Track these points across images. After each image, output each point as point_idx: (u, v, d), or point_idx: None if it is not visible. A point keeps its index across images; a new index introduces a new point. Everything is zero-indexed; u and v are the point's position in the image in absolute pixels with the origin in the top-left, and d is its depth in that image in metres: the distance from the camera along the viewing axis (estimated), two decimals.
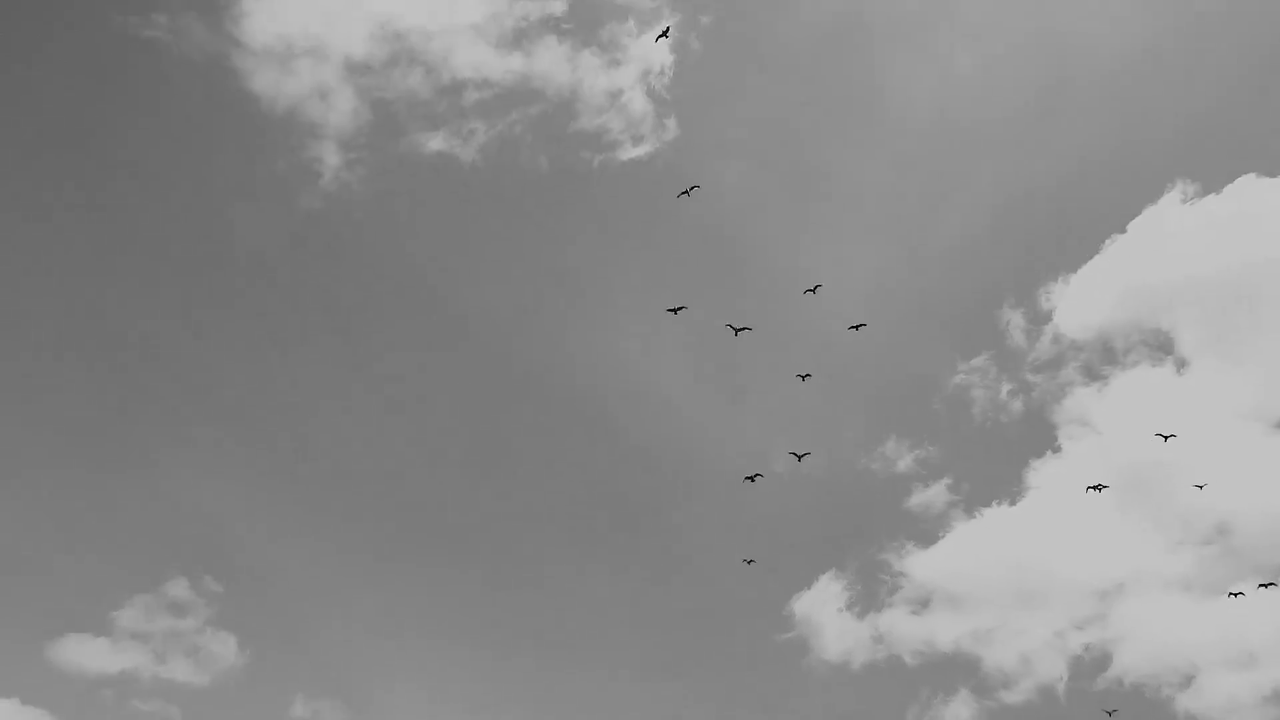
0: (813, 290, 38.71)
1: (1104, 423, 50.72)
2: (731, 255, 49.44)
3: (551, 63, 45.13)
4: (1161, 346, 49.49)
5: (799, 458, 39.86)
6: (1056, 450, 50.99)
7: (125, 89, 41.96)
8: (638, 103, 46.30)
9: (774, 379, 48.55)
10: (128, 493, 45.68)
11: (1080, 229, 52.21)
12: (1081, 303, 51.75)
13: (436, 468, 47.64)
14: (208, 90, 42.22)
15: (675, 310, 38.17)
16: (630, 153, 46.62)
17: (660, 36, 38.51)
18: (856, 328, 38.83)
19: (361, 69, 42.84)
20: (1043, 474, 50.56)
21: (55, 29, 40.34)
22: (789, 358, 48.93)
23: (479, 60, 44.05)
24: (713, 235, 49.33)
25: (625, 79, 45.85)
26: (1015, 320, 53.07)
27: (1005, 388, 51.34)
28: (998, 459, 51.17)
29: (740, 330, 38.20)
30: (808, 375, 38.90)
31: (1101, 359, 50.75)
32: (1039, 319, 52.77)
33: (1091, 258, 51.33)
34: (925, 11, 52.58)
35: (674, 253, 48.69)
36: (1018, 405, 51.01)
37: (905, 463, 49.88)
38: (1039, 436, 52.05)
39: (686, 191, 39.76)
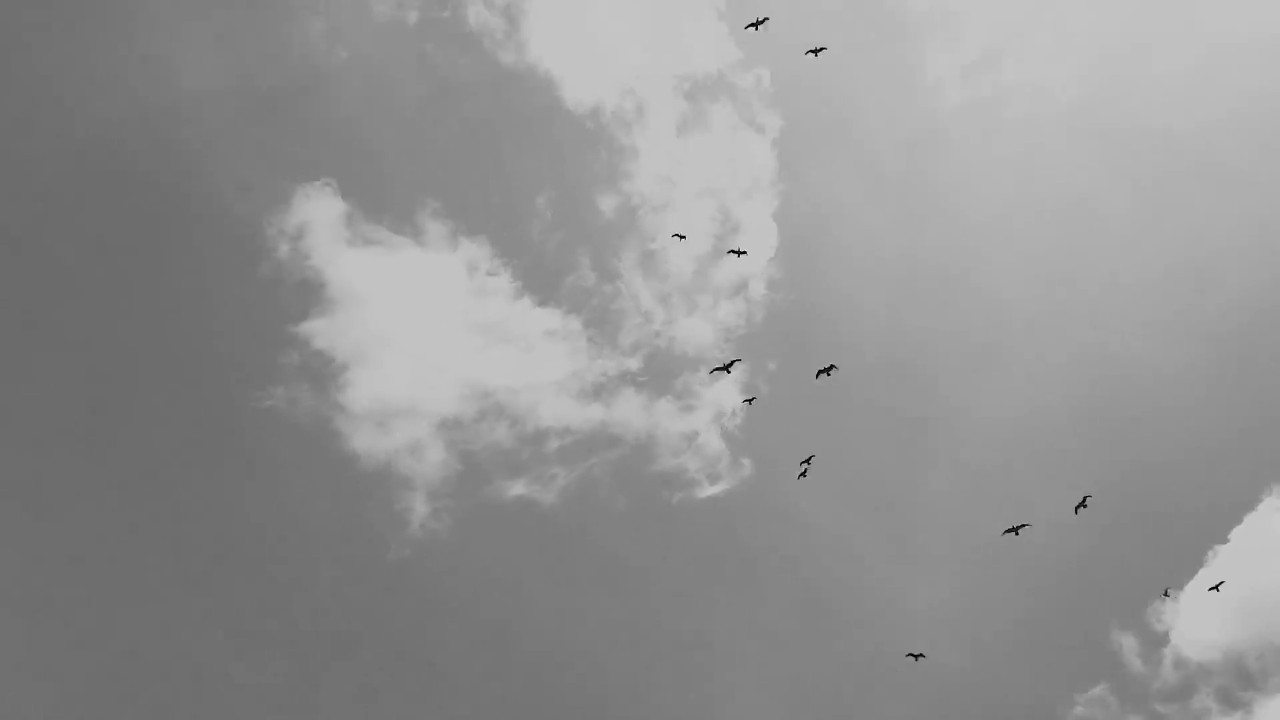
0: (915, 656, 40.40)
1: None
2: (817, 589, 52.89)
3: (629, 411, 50.88)
4: None
5: None
6: None
7: (241, 453, 49.17)
8: (713, 444, 51.31)
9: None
10: None
11: (1179, 541, 52.84)
12: (1198, 621, 49.39)
13: None
14: (313, 451, 48.84)
15: None
16: (707, 490, 51.00)
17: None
18: (916, 656, 40.24)
19: (452, 424, 49.11)
20: None
21: (183, 401, 48.59)
22: (889, 701, 51.09)
23: (560, 411, 50.24)
24: (796, 568, 53.00)
25: (699, 422, 51.31)
26: (1128, 644, 51.85)
27: None
28: None
29: None
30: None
31: (1237, 683, 49.11)
32: (1154, 641, 51.53)
33: (1197, 571, 50.37)
34: (983, 334, 56.03)
35: (757, 585, 52.68)
36: None
37: None
38: None
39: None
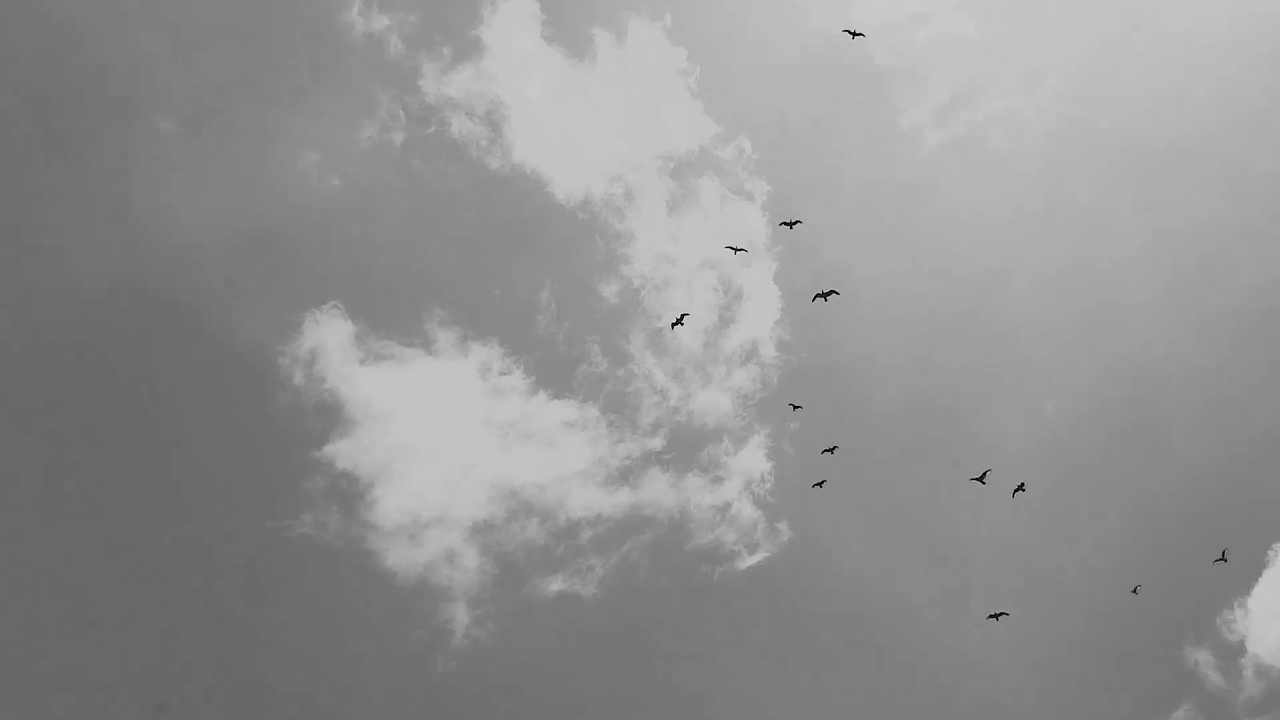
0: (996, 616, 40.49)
1: None
2: (874, 643, 53.02)
3: (658, 491, 50.86)
4: None
5: None
6: None
7: (277, 582, 48.97)
8: (746, 512, 51.43)
9: None
10: None
11: (1240, 543, 51.74)
12: (1272, 623, 47.90)
13: None
14: (349, 573, 48.87)
15: None
16: (748, 561, 51.07)
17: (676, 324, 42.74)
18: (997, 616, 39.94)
19: (484, 528, 49.20)
20: None
21: (215, 537, 48.43)
22: None
23: (589, 500, 50.21)
24: (850, 626, 53.02)
25: (730, 493, 51.35)
26: (1204, 659, 50.22)
27: None
28: None
29: None
30: None
31: None
32: (1230, 652, 49.92)
33: (1262, 572, 49.08)
34: (1001, 365, 56.75)
35: (813, 650, 52.68)
36: None
37: None
38: None
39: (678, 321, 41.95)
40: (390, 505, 48.38)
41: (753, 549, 50.62)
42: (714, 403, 51.84)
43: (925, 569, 52.64)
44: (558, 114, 53.26)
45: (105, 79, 46.62)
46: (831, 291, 39.03)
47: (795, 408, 43.75)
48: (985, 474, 40.39)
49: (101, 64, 46.48)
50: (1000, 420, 54.09)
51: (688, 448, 51.68)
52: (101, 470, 47.59)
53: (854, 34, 39.80)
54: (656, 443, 51.31)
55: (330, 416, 49.50)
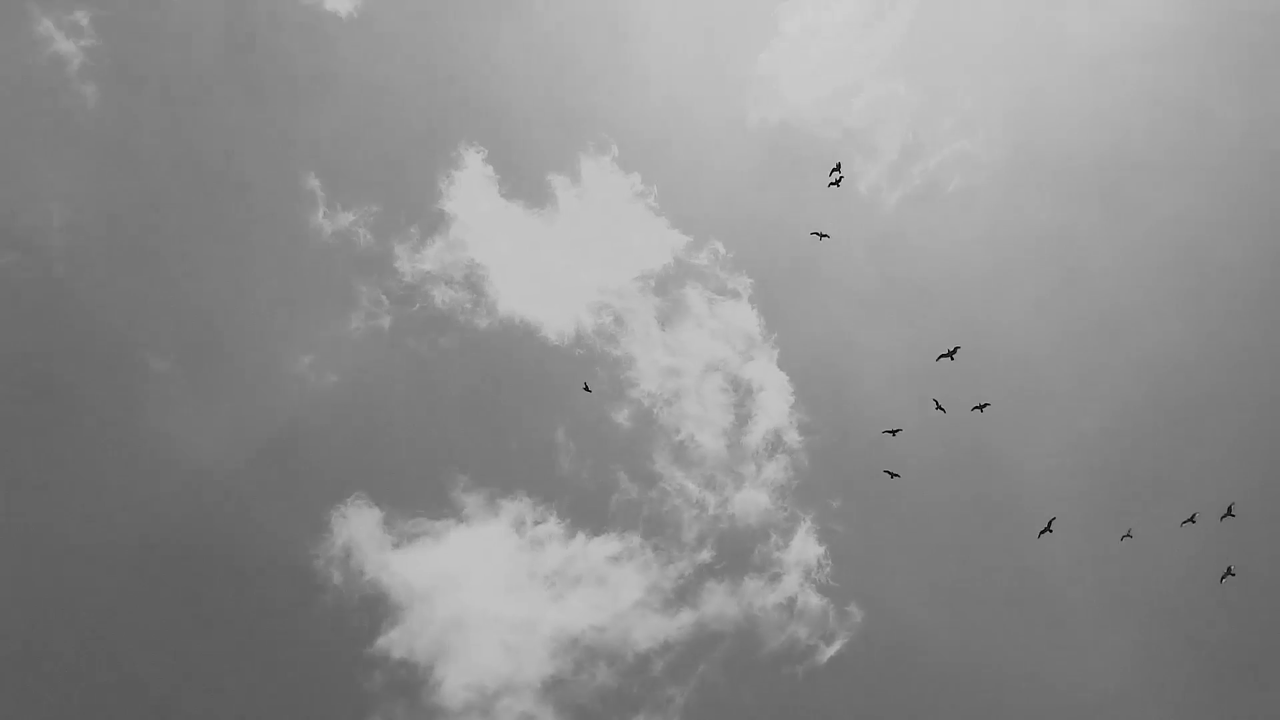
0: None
1: None
2: (985, 708, 51.47)
3: (719, 604, 50.38)
4: None
5: None
6: None
7: None
8: (812, 603, 50.90)
9: None
10: None
11: None
12: None
13: None
14: None
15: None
16: (828, 652, 50.07)
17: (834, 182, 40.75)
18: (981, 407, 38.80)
19: (553, 684, 48.48)
20: None
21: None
22: None
23: (653, 630, 49.62)
24: (954, 693, 51.62)
25: (791, 587, 50.98)
26: None
27: None
28: None
29: None
30: None
31: None
32: None
33: None
34: (1025, 397, 56.50)
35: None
36: None
37: None
38: None
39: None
40: (455, 684, 47.04)
41: (829, 639, 48.95)
42: (752, 501, 51.18)
43: (1005, 612, 50.78)
44: (533, 262, 54.66)
45: (95, 330, 47.90)
46: (956, 349, 39.83)
47: (822, 236, 41.97)
48: (954, 351, 39.95)
49: (90, 317, 47.83)
50: (1036, 447, 53.31)
51: (737, 553, 50.73)
52: (152, 698, 46.28)
53: (821, 235, 41.77)
54: (705, 555, 50.35)
55: (376, 609, 48.70)
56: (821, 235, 41.61)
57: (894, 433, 41.72)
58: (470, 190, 52.63)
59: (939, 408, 41.27)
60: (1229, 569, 39.13)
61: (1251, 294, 54.85)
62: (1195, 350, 55.19)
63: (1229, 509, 39.47)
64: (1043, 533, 40.88)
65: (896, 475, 43.42)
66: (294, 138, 52.27)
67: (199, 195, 51.01)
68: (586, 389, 46.01)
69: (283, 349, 50.43)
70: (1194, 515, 39.60)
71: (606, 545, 50.07)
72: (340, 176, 52.42)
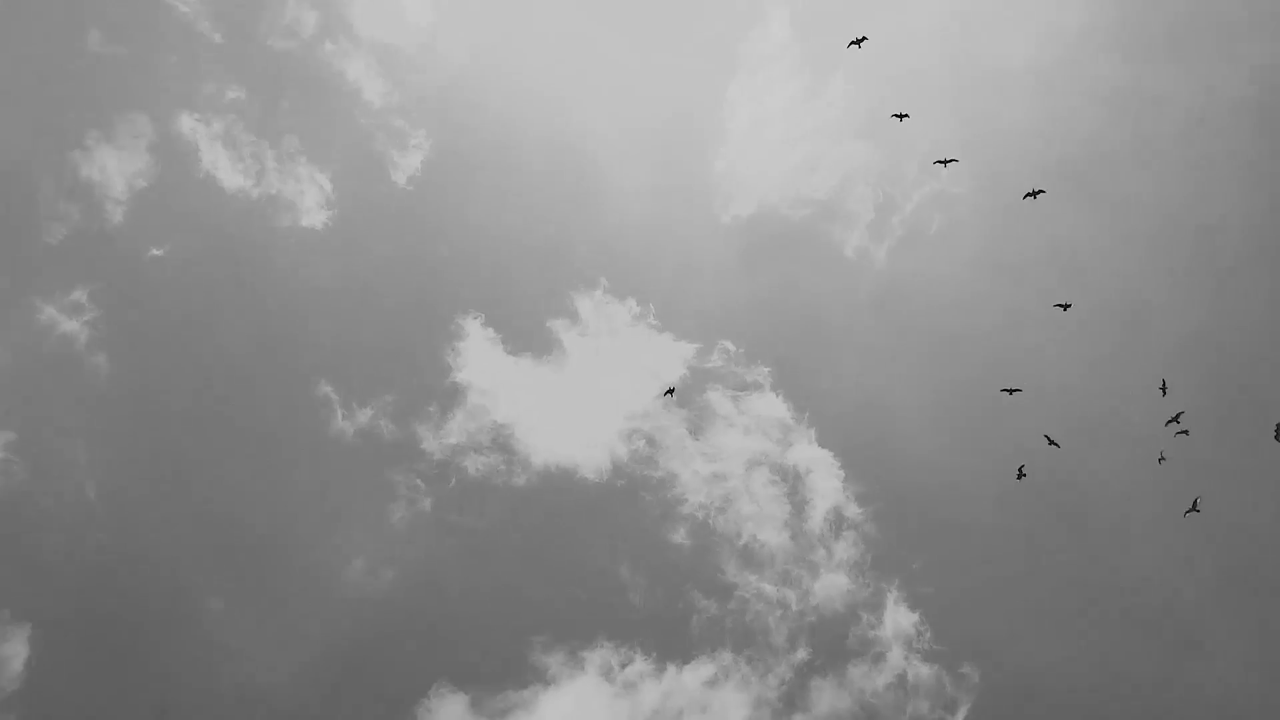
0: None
1: None
2: None
3: (831, 701, 49.38)
4: None
5: None
6: None
7: None
8: (923, 674, 49.06)
9: None
10: None
11: None
12: None
13: None
14: None
15: None
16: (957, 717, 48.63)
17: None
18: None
19: None
20: None
21: None
22: None
23: None
24: None
25: (897, 663, 49.94)
26: None
27: None
28: None
29: None
30: None
31: None
32: None
33: None
34: (1057, 390, 55.91)
35: None
36: None
37: None
38: None
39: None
40: None
41: (952, 706, 46.87)
42: (833, 585, 49.92)
43: (1129, 631, 48.60)
44: (554, 409, 55.09)
45: (150, 588, 48.01)
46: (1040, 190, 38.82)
47: (902, 117, 41.10)
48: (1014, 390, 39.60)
49: (142, 577, 48.04)
50: (1093, 451, 52.07)
51: (833, 642, 49.18)
52: None
53: (901, 116, 41.32)
54: (801, 654, 48.78)
55: None
56: (902, 116, 40.97)
57: (1012, 391, 41.02)
58: (477, 356, 53.64)
59: (1022, 474, 40.68)
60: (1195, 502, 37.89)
61: (1261, 271, 54.85)
62: (1217, 335, 54.82)
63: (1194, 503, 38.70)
64: (1188, 512, 39.35)
65: (1055, 443, 42.34)
66: (298, 349, 53.79)
67: (221, 429, 52.12)
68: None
69: (334, 558, 50.33)
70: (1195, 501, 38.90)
71: (699, 670, 48.57)
72: (350, 376, 53.63)
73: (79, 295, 50.23)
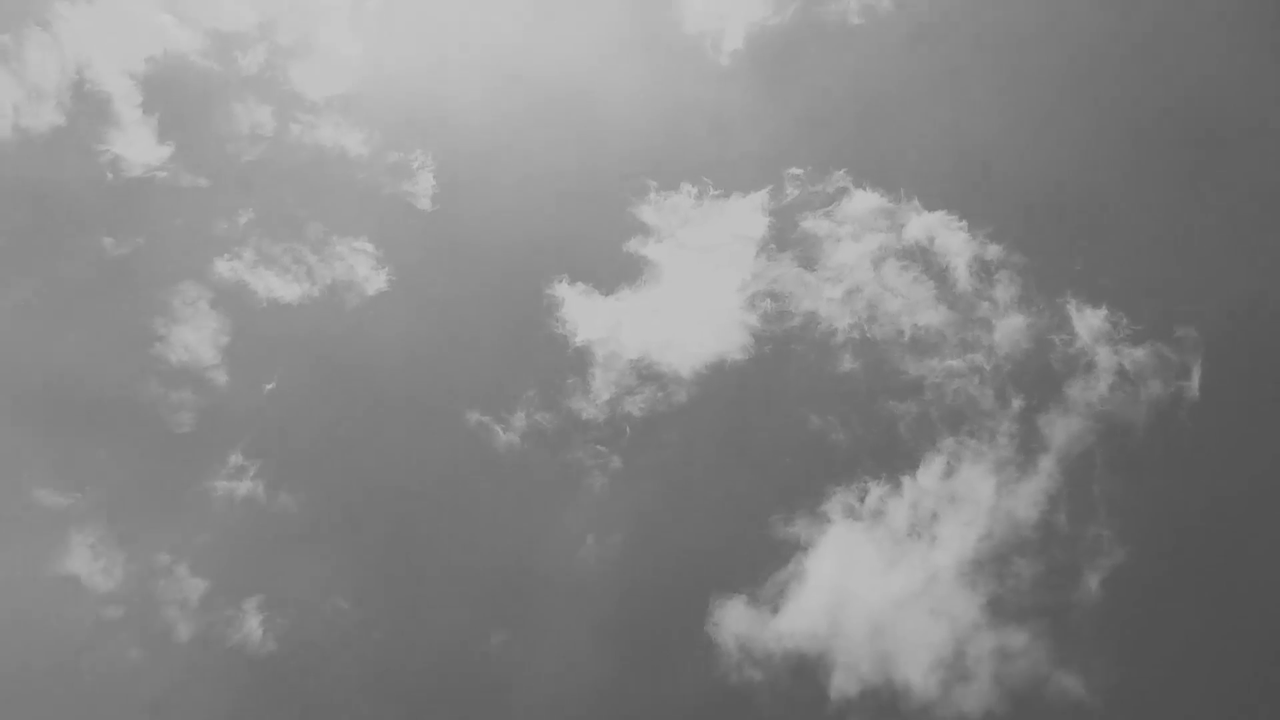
0: None
1: None
2: None
3: None
4: None
5: None
6: None
7: None
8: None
9: None
10: None
11: None
12: None
13: None
14: None
15: None
16: None
17: None
18: None
19: None
20: None
21: None
22: None
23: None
24: None
25: None
26: None
27: None
28: None
29: None
30: None
31: None
32: None
33: None
34: None
35: None
36: None
37: None
38: None
39: None
40: None
41: (1184, 373, 45.40)
42: (1012, 328, 48.72)
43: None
44: (672, 319, 54.31)
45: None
46: None
47: None
48: None
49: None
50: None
51: (1039, 376, 47.76)
52: None
53: None
54: (1016, 404, 47.69)
55: None
56: None
57: None
58: (582, 313, 53.44)
59: None
60: None
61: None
62: None
63: None
64: None
65: None
66: (423, 393, 54.93)
67: (412, 499, 54.10)
68: None
69: (570, 543, 52.16)
70: None
71: (931, 467, 48.31)
72: (485, 394, 53.98)
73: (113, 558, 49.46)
